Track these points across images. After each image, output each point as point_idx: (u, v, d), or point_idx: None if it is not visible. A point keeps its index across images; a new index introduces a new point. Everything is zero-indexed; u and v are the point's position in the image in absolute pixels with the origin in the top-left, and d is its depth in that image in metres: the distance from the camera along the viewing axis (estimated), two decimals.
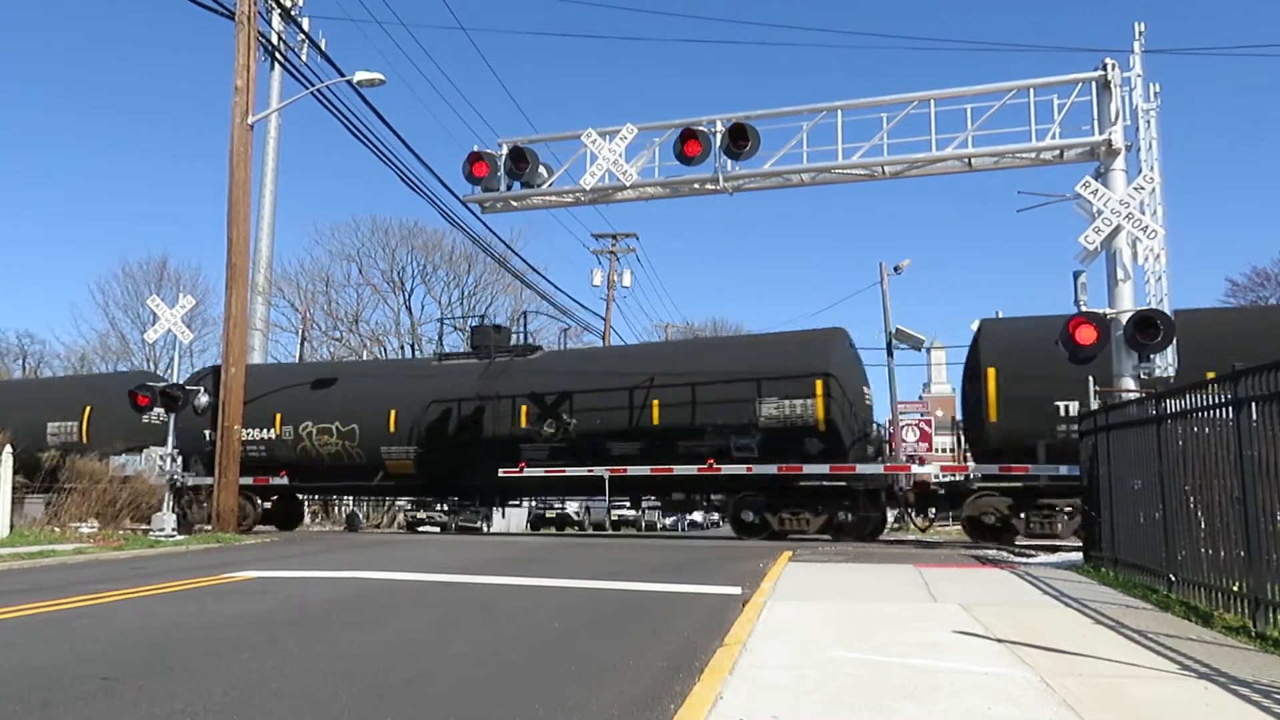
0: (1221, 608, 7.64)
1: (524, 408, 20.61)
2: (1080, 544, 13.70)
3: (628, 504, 30.73)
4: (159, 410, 19.50)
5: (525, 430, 20.56)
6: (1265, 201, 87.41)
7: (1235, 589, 7.39)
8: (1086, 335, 13.00)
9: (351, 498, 29.26)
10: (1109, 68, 14.34)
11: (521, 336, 24.95)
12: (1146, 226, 13.05)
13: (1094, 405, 12.68)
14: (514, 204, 17.87)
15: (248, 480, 20.77)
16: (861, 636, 6.87)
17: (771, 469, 18.27)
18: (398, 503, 31.22)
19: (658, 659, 6.32)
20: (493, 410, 21.01)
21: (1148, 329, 12.83)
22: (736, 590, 9.70)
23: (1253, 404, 7.04)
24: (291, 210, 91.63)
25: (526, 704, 5.07)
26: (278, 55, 26.56)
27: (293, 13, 30.34)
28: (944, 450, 27.87)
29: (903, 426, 25.31)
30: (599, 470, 19.76)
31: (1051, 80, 14.87)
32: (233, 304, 19.68)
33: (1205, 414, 8.10)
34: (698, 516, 47.15)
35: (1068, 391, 15.52)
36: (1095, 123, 14.49)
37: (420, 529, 30.90)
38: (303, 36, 30.72)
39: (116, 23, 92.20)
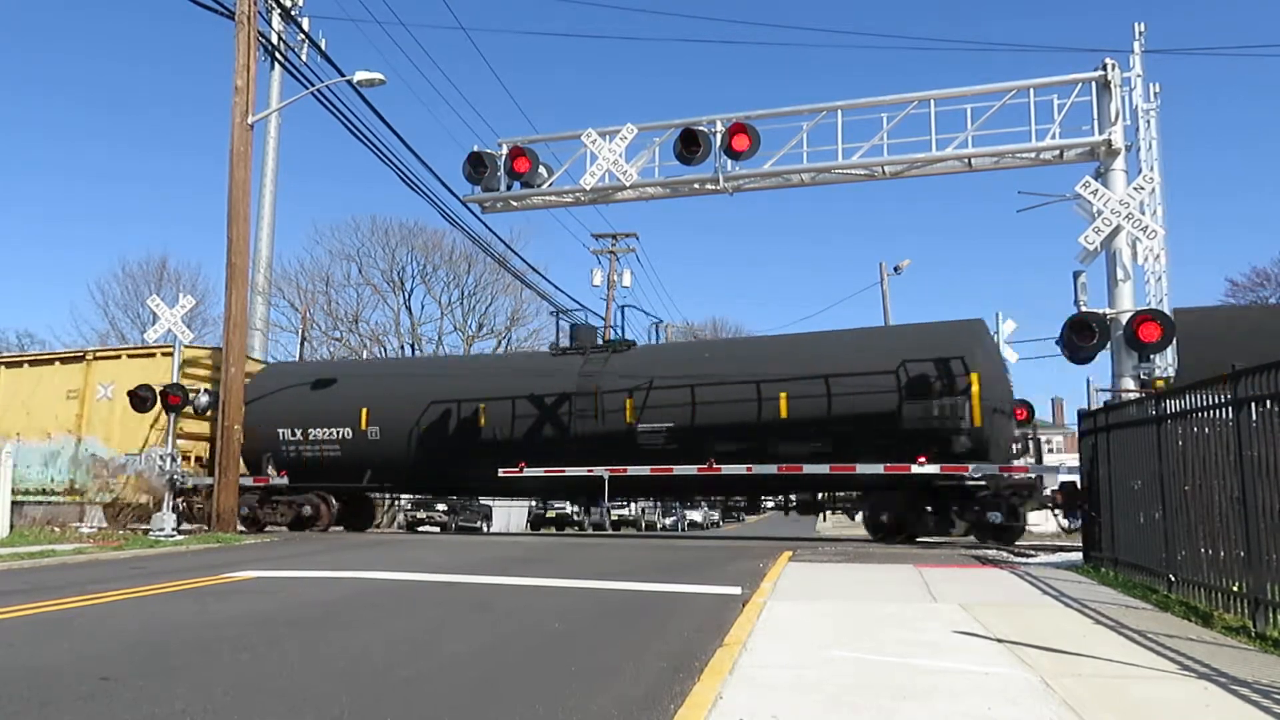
0: (1221, 608, 7.64)
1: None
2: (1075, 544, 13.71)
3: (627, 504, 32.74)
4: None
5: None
6: (1265, 201, 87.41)
7: (1235, 589, 7.40)
8: (1086, 335, 13.03)
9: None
10: (1109, 68, 14.34)
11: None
12: (1146, 226, 13.06)
13: (1093, 405, 12.70)
14: (514, 204, 17.87)
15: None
16: (861, 636, 6.87)
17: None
18: (398, 502, 31.39)
19: (658, 659, 6.32)
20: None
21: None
22: (736, 590, 9.70)
23: (1252, 404, 7.05)
24: (291, 210, 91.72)
25: (526, 704, 5.07)
26: (278, 55, 26.57)
27: (293, 13, 30.33)
28: None
29: None
30: (599, 470, 19.75)
31: (1051, 80, 14.87)
32: (233, 304, 19.66)
33: (1205, 414, 8.10)
34: (698, 516, 47.15)
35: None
36: (1095, 123, 14.49)
37: (420, 529, 30.95)
38: (303, 36, 30.69)
39: (116, 23, 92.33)
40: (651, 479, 20.23)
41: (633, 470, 19.91)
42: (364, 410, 21.78)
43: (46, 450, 23.01)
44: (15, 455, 22.41)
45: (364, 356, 43.83)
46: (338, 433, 22.09)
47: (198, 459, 22.34)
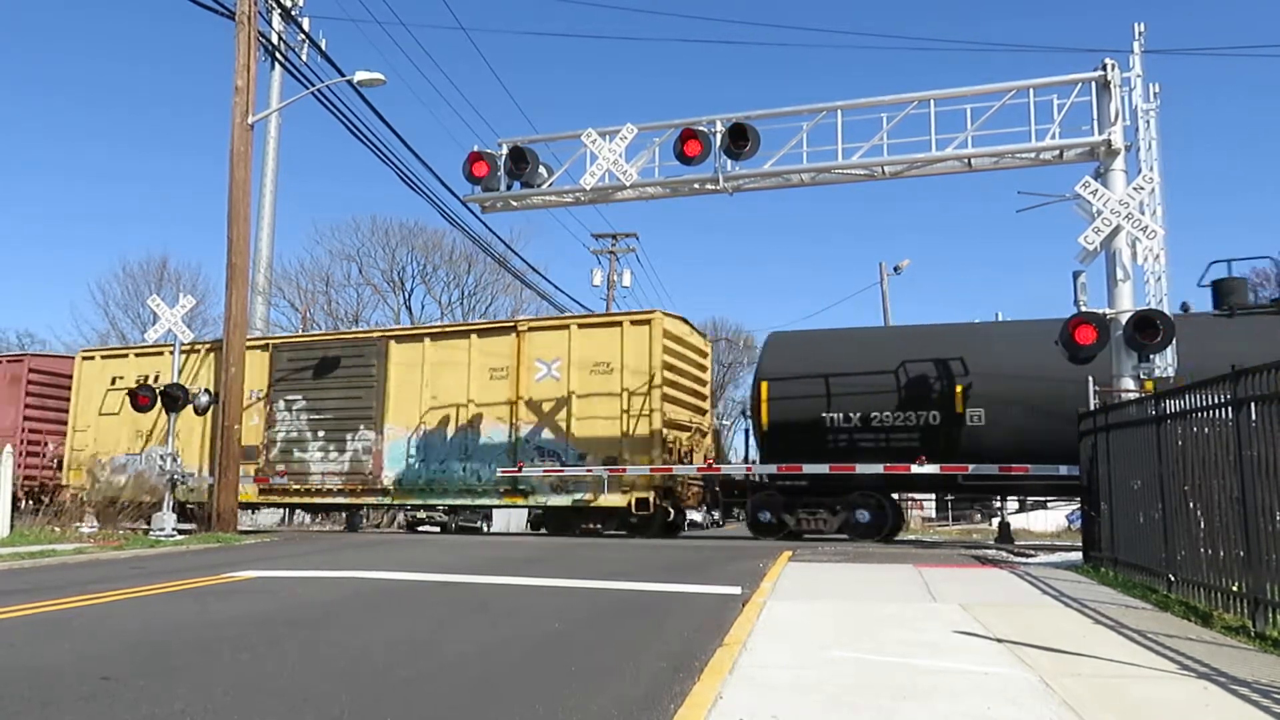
0: (1221, 608, 7.65)
1: None
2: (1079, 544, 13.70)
3: None
4: None
5: None
6: (1265, 201, 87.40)
7: (1234, 589, 7.40)
8: (1086, 335, 13.02)
9: None
10: (1109, 68, 14.34)
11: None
12: (1146, 226, 13.06)
13: (1093, 405, 12.69)
14: (514, 204, 17.87)
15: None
16: (861, 636, 6.88)
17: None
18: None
19: (657, 659, 6.32)
20: None
21: (1147, 329, 12.84)
22: (736, 590, 9.70)
23: (1252, 404, 7.05)
24: (291, 210, 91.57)
25: (525, 704, 5.07)
26: (278, 55, 26.61)
27: (293, 13, 30.37)
28: None
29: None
30: (597, 470, 19.64)
31: (1051, 80, 14.86)
32: (233, 304, 19.67)
33: (1205, 414, 8.11)
34: (698, 516, 47.09)
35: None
36: (1095, 123, 14.48)
37: (420, 529, 30.92)
38: (303, 36, 30.75)
39: (116, 23, 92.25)
40: None
41: (631, 471, 19.47)
42: (959, 387, 17.47)
43: (465, 442, 20.63)
44: (421, 448, 20.57)
45: None
46: (918, 417, 17.76)
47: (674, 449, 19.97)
